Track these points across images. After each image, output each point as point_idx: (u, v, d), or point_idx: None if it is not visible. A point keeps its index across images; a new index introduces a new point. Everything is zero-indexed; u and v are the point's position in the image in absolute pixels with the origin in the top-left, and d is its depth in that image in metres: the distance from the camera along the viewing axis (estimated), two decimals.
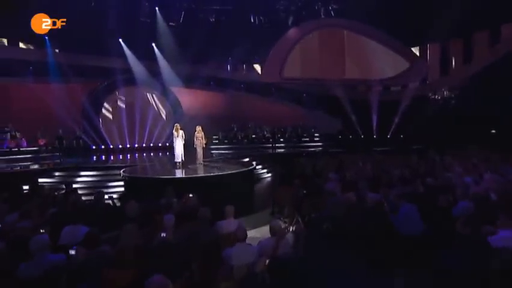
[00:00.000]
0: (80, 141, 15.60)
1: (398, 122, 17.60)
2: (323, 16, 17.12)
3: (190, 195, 5.36)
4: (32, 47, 16.80)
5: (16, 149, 13.57)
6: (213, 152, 16.18)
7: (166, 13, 16.64)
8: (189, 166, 9.95)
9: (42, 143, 14.54)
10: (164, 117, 18.72)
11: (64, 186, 7.13)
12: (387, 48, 17.28)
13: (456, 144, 12.76)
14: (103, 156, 15.96)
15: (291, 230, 3.91)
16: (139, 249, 2.76)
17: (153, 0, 16.43)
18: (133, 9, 16.47)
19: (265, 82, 18.16)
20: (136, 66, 17.21)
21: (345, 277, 2.51)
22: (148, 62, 17.34)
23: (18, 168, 11.06)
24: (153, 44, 17.81)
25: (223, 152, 16.56)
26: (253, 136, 18.41)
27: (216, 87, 18.97)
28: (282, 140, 18.18)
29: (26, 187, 6.97)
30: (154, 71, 17.55)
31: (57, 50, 16.47)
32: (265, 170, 13.75)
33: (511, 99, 13.83)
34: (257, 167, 13.31)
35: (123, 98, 18.04)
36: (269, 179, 13.12)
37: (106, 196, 5.61)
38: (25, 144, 14.33)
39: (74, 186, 9.60)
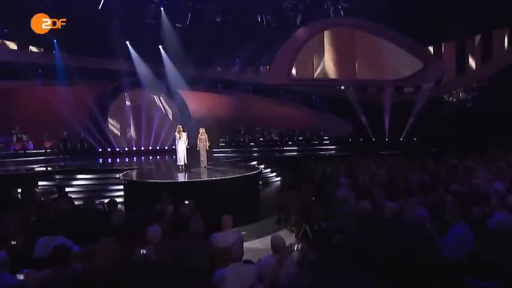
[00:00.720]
0: (85, 143, 15.41)
1: (412, 124, 16.86)
2: (332, 15, 16.58)
3: (186, 202, 4.87)
4: (38, 50, 16.78)
5: (22, 152, 13.64)
6: (219, 155, 15.80)
7: (172, 14, 16.37)
8: (192, 170, 9.50)
9: (48, 146, 14.67)
10: (171, 119, 18.47)
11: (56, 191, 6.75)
12: (399, 47, 16.58)
13: (474, 147, 11.99)
14: (109, 159, 15.83)
15: (297, 242, 3.35)
16: (111, 270, 2.29)
17: (159, 1, 16.16)
18: (139, 10, 16.31)
19: (273, 84, 17.68)
20: (142, 68, 17.03)
21: None
22: (154, 64, 17.13)
23: (19, 170, 10.77)
24: (160, 47, 17.62)
25: (230, 155, 16.15)
26: (261, 139, 18.03)
27: (222, 89, 18.60)
28: (290, 143, 17.72)
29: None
30: (159, 73, 17.33)
31: (65, 53, 16.45)
32: (274, 174, 13.31)
33: None
34: (265, 171, 13.03)
35: (129, 102, 17.91)
36: (278, 182, 12.64)
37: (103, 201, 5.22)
38: (32, 146, 14.50)
39: (73, 189, 9.50)
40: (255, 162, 13.21)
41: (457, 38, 16.43)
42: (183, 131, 9.88)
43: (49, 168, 11.13)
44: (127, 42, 16.89)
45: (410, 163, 9.37)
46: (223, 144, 17.66)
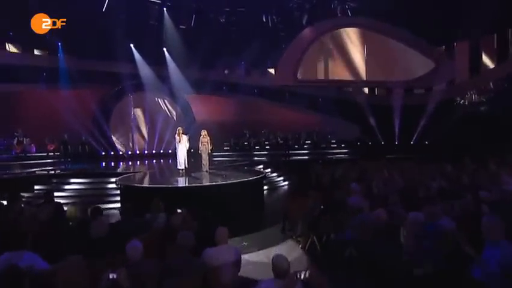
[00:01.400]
0: (86, 146, 15.12)
1: (423, 127, 16.16)
2: (339, 15, 16.05)
3: (179, 210, 4.36)
4: (40, 53, 16.67)
5: (23, 155, 13.39)
6: (223, 159, 15.34)
7: (175, 15, 16.06)
8: (192, 174, 9.02)
9: (50, 149, 14.41)
10: (175, 122, 18.13)
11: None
12: (409, 47, 15.95)
13: (490, 151, 11.25)
14: (112, 163, 15.53)
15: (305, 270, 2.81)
16: None
17: (162, 2, 15.87)
18: (142, 12, 16.09)
19: (279, 87, 17.20)
20: (146, 71, 16.77)
21: None
22: (158, 67, 16.87)
23: (15, 174, 10.43)
24: (164, 49, 17.35)
25: (234, 159, 15.69)
26: (266, 143, 17.59)
27: (227, 92, 18.21)
28: (296, 146, 17.21)
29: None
30: (163, 75, 17.03)
31: (68, 56, 16.33)
32: (281, 178, 12.83)
33: None
34: (272, 175, 12.64)
35: (132, 105, 17.69)
36: (286, 187, 12.12)
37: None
38: (34, 149, 14.28)
39: (69, 194, 9.11)
40: (260, 166, 12.87)
41: (471, 37, 15.71)
42: (183, 133, 9.43)
43: (48, 172, 10.73)
44: (131, 45, 16.77)
45: (424, 167, 8.74)
46: (228, 148, 17.27)
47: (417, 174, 7.61)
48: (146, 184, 7.36)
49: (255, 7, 15.55)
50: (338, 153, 16.80)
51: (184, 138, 9.35)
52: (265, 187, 11.00)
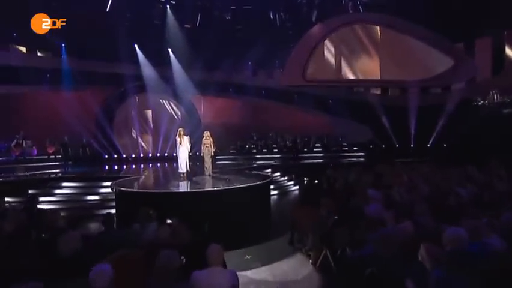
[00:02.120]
0: (87, 149, 14.76)
1: (441, 129, 15.24)
2: (350, 11, 15.34)
3: (168, 221, 3.74)
4: (45, 55, 16.53)
5: (22, 158, 13.13)
6: (229, 162, 14.76)
7: (180, 14, 15.63)
8: (194, 178, 8.42)
9: (51, 151, 14.21)
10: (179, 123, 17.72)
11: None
12: (426, 44, 15.09)
13: None
14: (116, 166, 15.17)
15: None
16: None
17: (166, 0, 15.49)
18: (146, 11, 15.77)
19: (288, 88, 16.57)
20: (149, 72, 16.42)
21: None
22: (161, 68, 16.49)
23: (8, 178, 10.01)
24: (169, 49, 16.98)
25: (240, 162, 15.10)
26: (274, 146, 16.98)
27: (233, 93, 17.69)
28: (305, 149, 16.52)
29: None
30: (167, 76, 16.64)
31: (72, 57, 16.16)
32: (291, 183, 12.15)
33: None
34: (281, 179, 12.10)
35: (136, 107, 17.38)
36: (296, 192, 11.47)
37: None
38: (35, 152, 14.11)
39: (63, 199, 8.64)
40: (268, 170, 12.27)
41: (493, 32, 14.75)
42: (185, 134, 8.83)
43: (38, 175, 10.30)
44: (135, 46, 16.49)
45: (447, 171, 7.93)
46: (234, 151, 16.73)
47: (440, 179, 6.83)
48: (143, 189, 6.77)
49: (262, 4, 14.98)
50: (349, 157, 16.07)
51: (186, 139, 8.74)
52: (273, 192, 10.37)
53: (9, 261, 2.70)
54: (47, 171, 11.89)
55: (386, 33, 15.42)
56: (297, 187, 11.82)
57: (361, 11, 15.50)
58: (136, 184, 7.31)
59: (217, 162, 14.11)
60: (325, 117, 17.30)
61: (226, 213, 5.72)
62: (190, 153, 8.93)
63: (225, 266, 2.89)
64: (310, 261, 4.91)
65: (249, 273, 4.65)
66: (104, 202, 8.28)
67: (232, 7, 15.38)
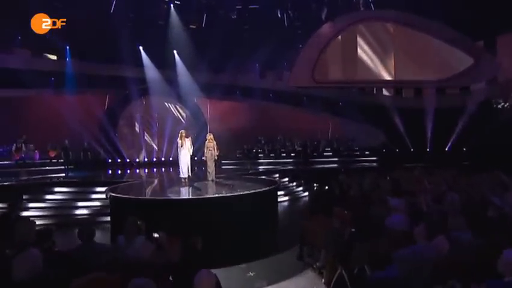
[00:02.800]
0: (88, 153, 14.46)
1: (460, 132, 14.37)
2: (361, 8, 14.71)
3: (155, 235, 3.17)
4: (49, 57, 16.45)
5: (21, 162, 12.90)
6: (236, 167, 14.23)
7: (184, 15, 15.27)
8: (195, 184, 7.87)
9: (52, 155, 13.89)
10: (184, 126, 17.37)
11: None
12: (443, 42, 14.29)
13: None
14: (119, 171, 14.84)
15: None
16: None
17: (170, 1, 15.19)
18: (150, 12, 15.51)
19: (296, 90, 16.00)
20: (154, 75, 16.13)
21: None
22: (166, 70, 16.17)
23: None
24: (174, 51, 16.66)
25: (247, 167, 14.56)
26: (282, 150, 16.39)
27: (240, 96, 17.23)
28: (315, 154, 15.87)
29: None
30: (172, 79, 16.31)
31: (75, 60, 16.03)
32: (300, 188, 11.54)
33: None
34: (290, 184, 11.56)
35: (140, 111, 17.10)
36: (306, 198, 10.85)
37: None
38: (38, 156, 13.84)
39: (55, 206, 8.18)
40: (276, 175, 11.71)
41: None
42: (186, 136, 8.31)
43: (27, 180, 9.91)
44: (140, 47, 16.26)
45: (473, 178, 7.16)
46: (240, 155, 16.22)
47: (467, 185, 6.09)
48: (135, 195, 6.24)
49: (269, 3, 14.48)
50: (361, 161, 15.37)
51: (187, 142, 8.22)
52: (281, 199, 9.75)
53: None
54: (43, 175, 11.60)
55: (400, 31, 14.70)
56: (306, 193, 11.17)
57: (372, 8, 14.82)
58: (131, 190, 6.79)
59: (223, 167, 13.63)
60: (335, 120, 16.67)
61: (227, 223, 5.14)
62: (195, 158, 8.43)
63: None
64: (323, 280, 4.26)
65: None
66: (101, 209, 7.79)
67: (238, 7, 14.93)
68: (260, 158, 15.86)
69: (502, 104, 14.50)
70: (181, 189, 7.28)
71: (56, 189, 8.77)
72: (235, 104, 17.52)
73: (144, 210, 5.07)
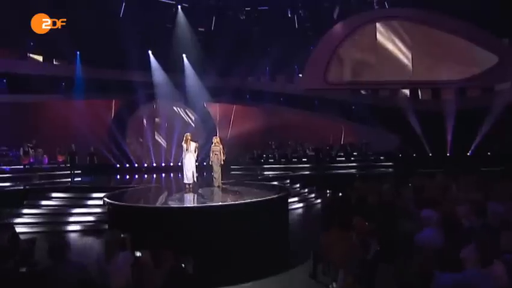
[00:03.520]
0: (95, 158, 14.34)
1: (484, 135, 13.46)
2: (376, 7, 14.11)
3: (138, 253, 2.65)
4: (59, 63, 16.55)
5: (28, 166, 12.83)
6: (245, 173, 13.73)
7: (193, 17, 15.03)
8: (200, 190, 7.37)
9: (60, 160, 13.80)
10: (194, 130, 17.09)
11: None
12: (465, 39, 13.48)
13: None
14: (127, 176, 14.69)
15: None
16: None
17: (178, 3, 15.03)
18: (158, 16, 15.39)
19: (308, 93, 15.48)
20: (162, 79, 15.98)
21: None
22: (174, 74, 15.97)
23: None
24: (184, 55, 16.46)
25: (255, 173, 14.06)
26: (294, 155, 15.83)
27: (250, 100, 16.85)
28: (327, 159, 15.23)
29: None
30: (180, 83, 16.08)
31: (85, 66, 16.09)
32: (313, 195, 10.95)
33: None
34: (303, 191, 11.04)
35: (148, 116, 16.96)
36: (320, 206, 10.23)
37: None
38: (46, 161, 13.82)
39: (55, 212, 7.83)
40: (287, 181, 11.18)
41: None
42: (191, 140, 7.86)
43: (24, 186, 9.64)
44: (149, 52, 16.17)
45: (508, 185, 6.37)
46: (250, 160, 15.76)
47: (505, 194, 5.34)
48: (130, 203, 5.76)
49: (279, 4, 14.08)
50: (376, 167, 14.61)
51: (193, 145, 7.76)
52: (292, 206, 9.17)
53: None
54: (51, 180, 11.46)
55: (417, 29, 13.98)
56: (319, 200, 10.54)
57: (386, 6, 14.20)
58: (130, 196, 6.33)
59: (232, 172, 13.16)
60: (348, 123, 16.03)
61: (231, 235, 4.57)
62: (200, 163, 7.97)
63: None
64: None
65: None
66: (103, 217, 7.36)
67: (247, 8, 14.58)
68: (270, 163, 15.36)
69: None
70: (183, 196, 6.79)
71: (58, 195, 8.44)
72: (244, 108, 17.17)
73: (136, 220, 4.58)
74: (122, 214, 5.18)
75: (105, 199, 5.68)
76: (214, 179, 7.95)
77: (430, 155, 14.84)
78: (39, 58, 16.11)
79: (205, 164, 11.45)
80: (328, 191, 11.21)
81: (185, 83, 16.27)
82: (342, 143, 16.67)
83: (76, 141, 13.60)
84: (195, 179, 7.66)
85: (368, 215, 4.53)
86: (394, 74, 14.39)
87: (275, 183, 9.33)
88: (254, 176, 12.19)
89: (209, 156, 8.23)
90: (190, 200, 6.48)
